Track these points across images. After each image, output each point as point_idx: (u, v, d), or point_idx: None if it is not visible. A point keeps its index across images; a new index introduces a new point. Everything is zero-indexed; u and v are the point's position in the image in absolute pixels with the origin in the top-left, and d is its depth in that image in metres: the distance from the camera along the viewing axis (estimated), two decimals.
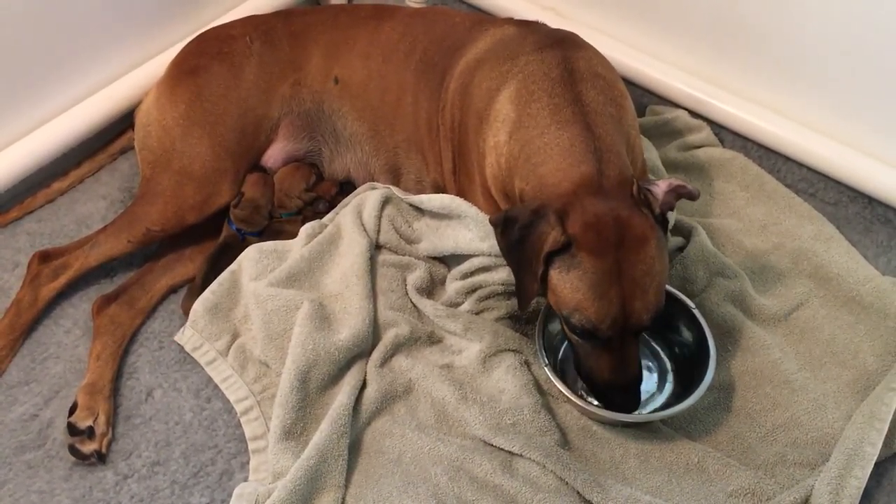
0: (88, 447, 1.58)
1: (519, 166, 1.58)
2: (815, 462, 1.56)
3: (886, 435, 1.53)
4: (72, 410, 1.62)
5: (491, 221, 1.55)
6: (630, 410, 1.55)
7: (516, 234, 1.47)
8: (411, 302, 1.80)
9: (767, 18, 2.04)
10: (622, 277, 1.42)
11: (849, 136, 2.05)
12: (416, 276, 1.82)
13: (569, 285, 1.44)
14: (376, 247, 1.87)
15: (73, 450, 1.58)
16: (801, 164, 2.12)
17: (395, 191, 1.88)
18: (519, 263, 1.49)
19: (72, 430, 1.60)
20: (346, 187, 2.02)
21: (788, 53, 2.06)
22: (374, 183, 1.96)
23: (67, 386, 1.71)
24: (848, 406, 1.64)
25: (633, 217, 1.44)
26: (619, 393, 1.53)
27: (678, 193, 1.50)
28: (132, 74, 2.17)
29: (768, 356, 1.70)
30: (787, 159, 2.13)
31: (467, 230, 1.78)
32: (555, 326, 1.70)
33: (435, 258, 1.87)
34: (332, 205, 1.98)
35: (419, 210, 1.88)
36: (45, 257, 1.84)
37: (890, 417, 1.54)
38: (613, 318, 1.44)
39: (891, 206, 2.01)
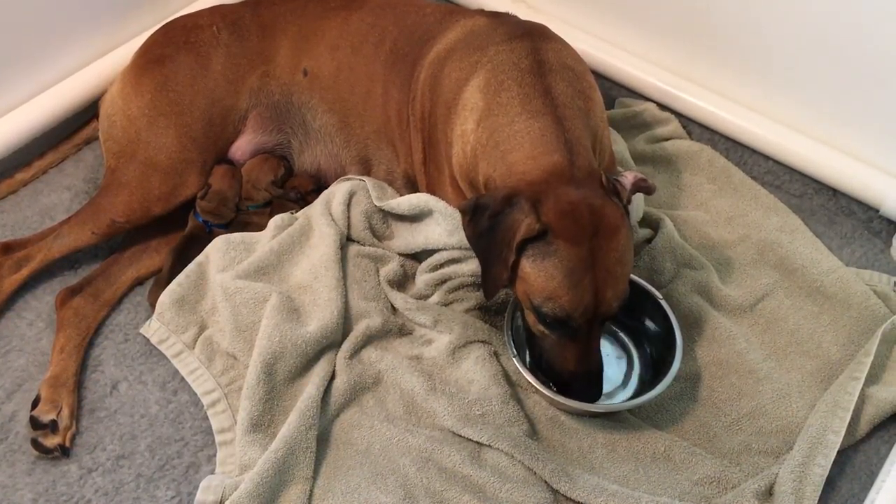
0: (52, 441, 1.56)
1: (487, 153, 1.57)
2: (780, 450, 1.58)
3: (849, 423, 1.55)
4: (34, 404, 1.60)
5: (460, 208, 1.54)
6: (594, 399, 1.56)
7: (486, 221, 1.46)
8: (384, 292, 1.80)
9: (736, 13, 2.06)
10: (595, 266, 1.43)
11: (814, 129, 2.08)
12: (389, 268, 1.81)
13: (543, 273, 1.44)
14: (349, 239, 1.86)
15: (35, 444, 1.56)
16: (767, 157, 2.14)
17: (368, 182, 1.87)
18: (488, 252, 1.48)
19: (34, 423, 1.57)
20: (322, 186, 2.00)
21: (756, 48, 2.08)
22: (349, 177, 1.94)
23: (30, 379, 1.68)
24: (812, 395, 1.66)
25: (605, 206, 1.45)
26: (584, 382, 1.54)
27: (637, 187, 1.52)
28: (97, 63, 2.13)
29: (734, 346, 1.72)
30: (754, 152, 2.16)
31: (437, 225, 1.77)
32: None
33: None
34: (305, 201, 1.97)
35: None
36: (7, 249, 1.80)
37: (852, 406, 1.57)
38: (586, 306, 1.44)
39: (854, 198, 2.04)
